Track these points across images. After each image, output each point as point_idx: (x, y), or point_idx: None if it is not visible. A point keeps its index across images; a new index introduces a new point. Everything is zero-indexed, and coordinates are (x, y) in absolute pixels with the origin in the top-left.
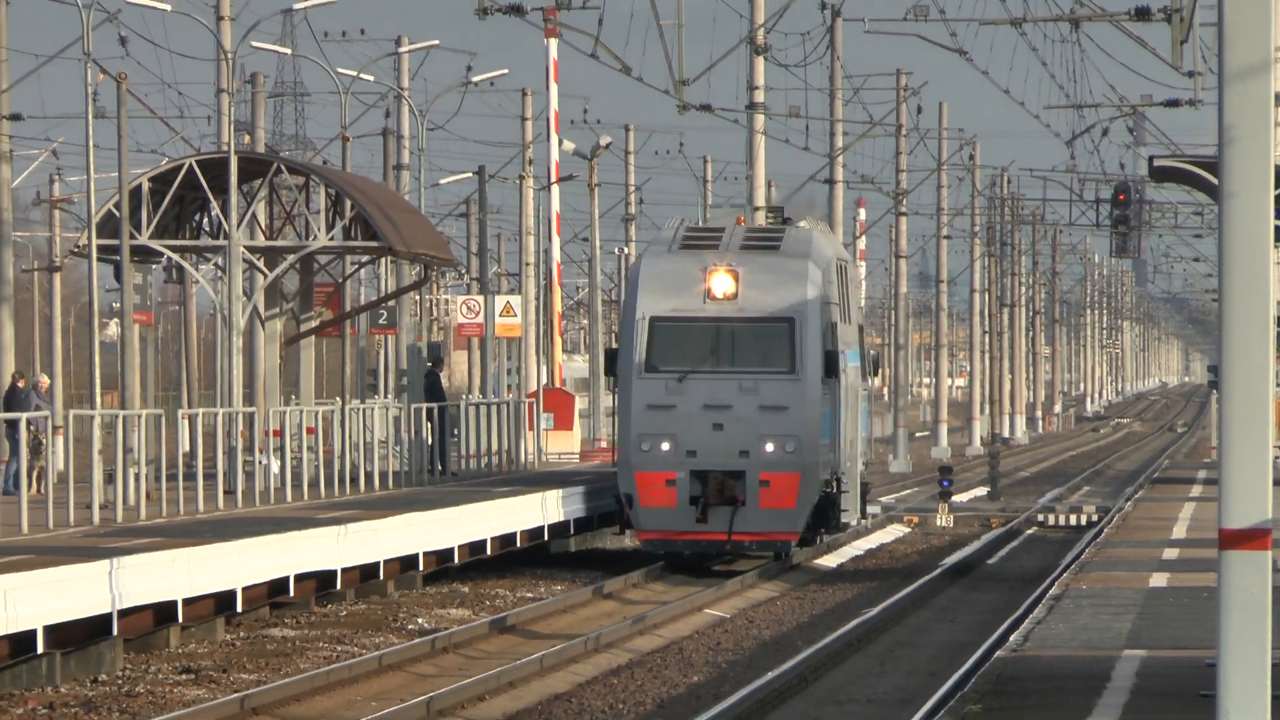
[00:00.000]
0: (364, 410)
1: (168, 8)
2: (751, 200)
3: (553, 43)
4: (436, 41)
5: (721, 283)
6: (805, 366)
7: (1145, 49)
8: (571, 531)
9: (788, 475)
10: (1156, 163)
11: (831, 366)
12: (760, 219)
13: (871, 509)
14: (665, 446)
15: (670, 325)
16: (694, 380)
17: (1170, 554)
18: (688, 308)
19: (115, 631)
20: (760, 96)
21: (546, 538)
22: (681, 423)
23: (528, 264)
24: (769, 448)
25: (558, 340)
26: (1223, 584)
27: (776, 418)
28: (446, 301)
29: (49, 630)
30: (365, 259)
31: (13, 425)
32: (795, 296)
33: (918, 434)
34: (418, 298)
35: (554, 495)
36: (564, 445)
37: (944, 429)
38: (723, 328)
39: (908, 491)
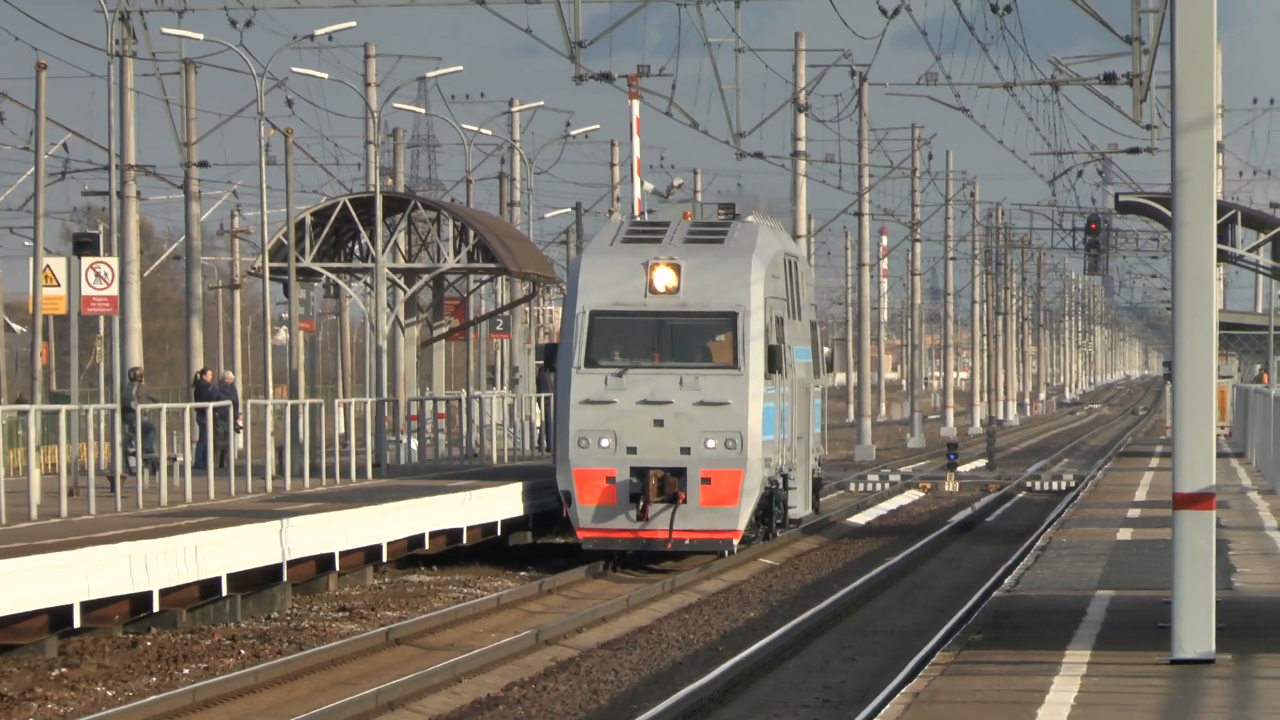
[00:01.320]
0: (484, 399)
1: (325, 76)
2: (795, 230)
3: (635, 103)
4: (541, 102)
5: (663, 276)
6: (748, 362)
7: (1112, 107)
8: None
9: (729, 472)
10: (1121, 198)
11: (775, 362)
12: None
13: (892, 478)
14: (605, 443)
15: (610, 319)
16: (634, 375)
17: (1134, 513)
18: (629, 301)
19: (285, 578)
20: (802, 146)
21: None
22: (621, 419)
23: None
24: (710, 444)
25: None
26: (1176, 537)
27: (718, 414)
28: (550, 311)
29: (231, 577)
30: (485, 277)
31: (201, 412)
32: (738, 290)
33: (930, 417)
34: (528, 308)
35: None
36: None
37: (951, 413)
38: (664, 322)
39: (922, 463)
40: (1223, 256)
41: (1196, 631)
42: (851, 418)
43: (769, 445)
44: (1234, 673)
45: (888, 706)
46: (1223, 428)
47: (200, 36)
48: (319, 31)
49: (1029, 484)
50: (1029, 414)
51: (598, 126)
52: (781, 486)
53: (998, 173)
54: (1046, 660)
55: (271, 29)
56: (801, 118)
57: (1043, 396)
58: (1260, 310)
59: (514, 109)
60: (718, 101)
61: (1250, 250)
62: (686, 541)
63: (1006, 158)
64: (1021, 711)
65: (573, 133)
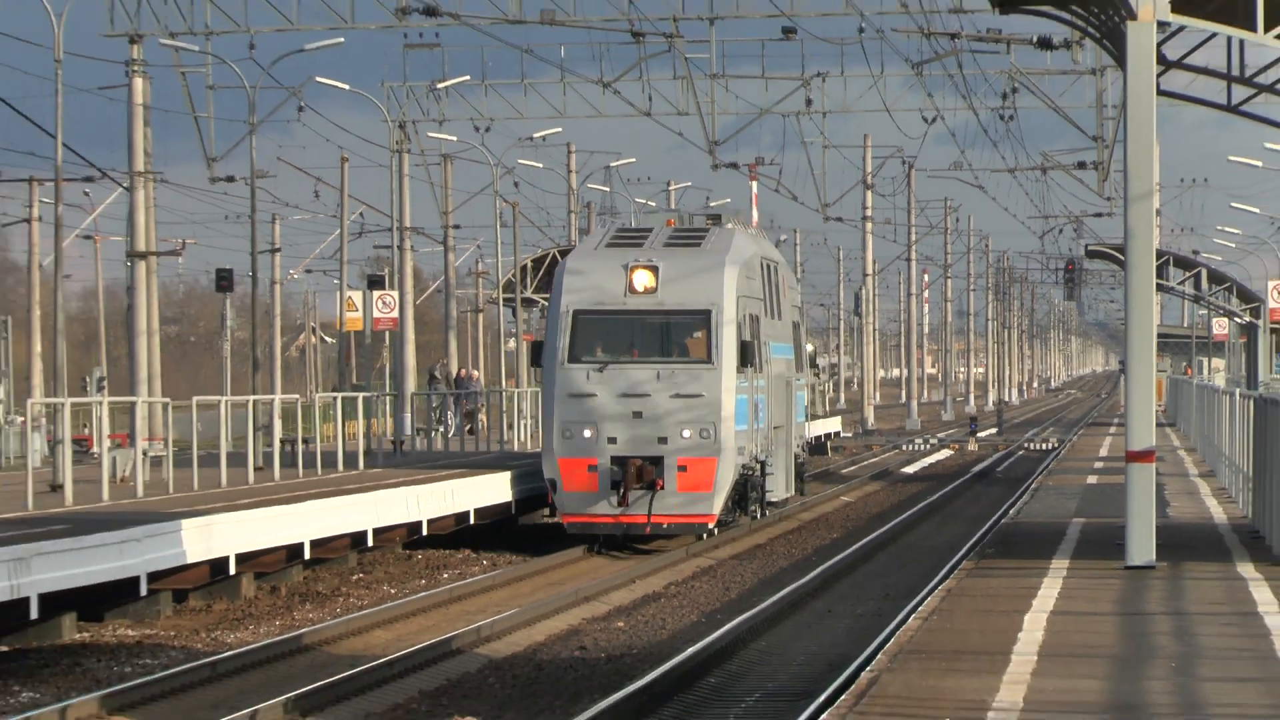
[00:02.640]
0: None
1: (540, 165)
2: (864, 270)
3: (754, 184)
4: (689, 183)
5: (641, 278)
6: (721, 357)
7: (1083, 185)
8: None
9: (704, 460)
10: (1089, 248)
11: (748, 356)
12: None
13: (931, 441)
14: (587, 434)
15: (592, 318)
16: (614, 370)
17: (1099, 465)
18: (610, 301)
19: (514, 511)
20: (869, 213)
21: None
22: (602, 411)
23: None
24: (685, 434)
25: None
26: (1128, 481)
27: (692, 406)
28: None
29: (477, 511)
30: None
31: (458, 398)
32: (712, 290)
33: (957, 399)
34: None
35: None
36: None
37: (972, 396)
38: (642, 320)
39: (952, 431)
40: (1160, 288)
41: (1142, 546)
42: (904, 399)
43: (742, 435)
44: (1168, 575)
45: (929, 599)
46: (1160, 407)
47: (454, 139)
48: (536, 134)
49: (1026, 445)
50: (1026, 397)
51: (728, 200)
52: (758, 473)
53: (1004, 230)
54: (1038, 566)
55: (504, 133)
56: (869, 193)
57: (1035, 385)
58: (1185, 325)
59: (670, 188)
60: (810, 182)
61: (1179, 283)
62: (664, 525)
63: (1010, 220)
64: (1022, 602)
65: (711, 204)
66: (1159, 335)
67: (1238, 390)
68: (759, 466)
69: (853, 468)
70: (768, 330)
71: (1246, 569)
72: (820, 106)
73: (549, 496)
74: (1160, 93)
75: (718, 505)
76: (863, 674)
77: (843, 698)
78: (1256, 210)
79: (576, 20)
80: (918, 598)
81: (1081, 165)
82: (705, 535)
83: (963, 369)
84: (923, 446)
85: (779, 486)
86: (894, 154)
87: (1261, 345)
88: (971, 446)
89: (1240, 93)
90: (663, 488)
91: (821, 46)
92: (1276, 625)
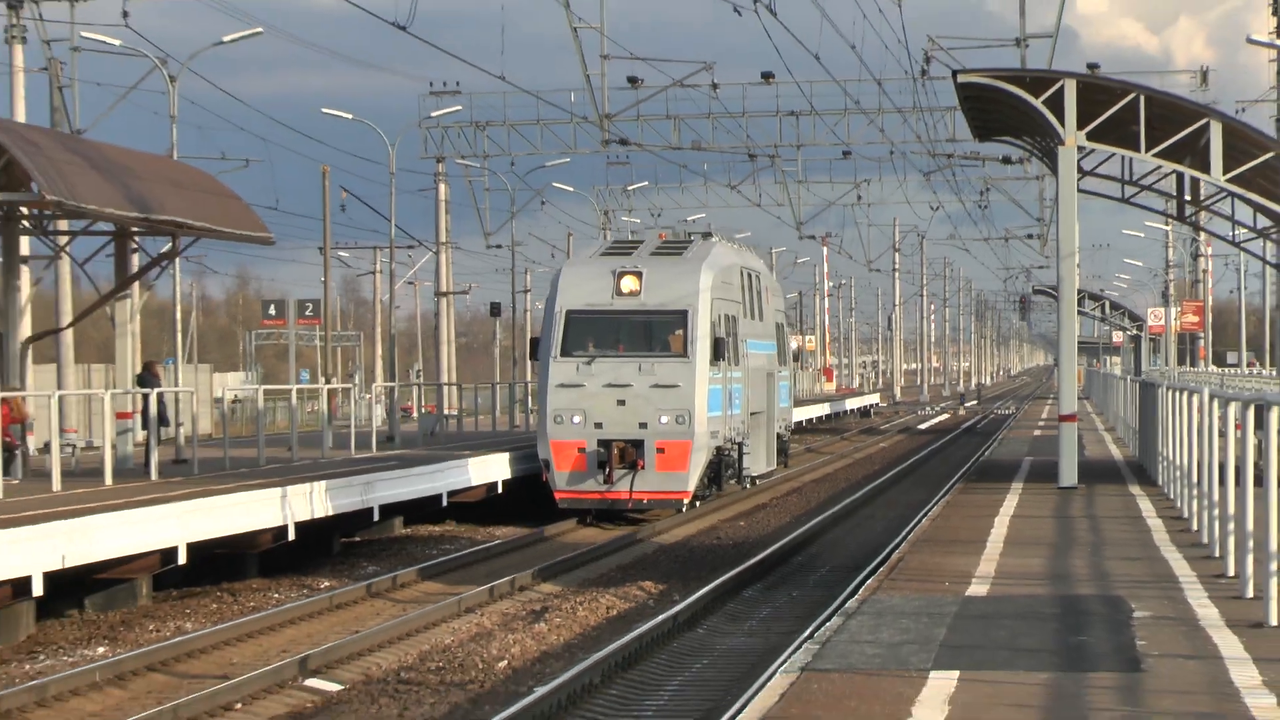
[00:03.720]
0: None
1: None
2: (894, 300)
3: (825, 248)
4: (784, 248)
5: (628, 282)
6: (695, 351)
7: (1031, 248)
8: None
9: (679, 443)
10: (1035, 288)
11: (720, 351)
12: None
13: (936, 408)
14: (576, 419)
15: (583, 317)
16: (601, 363)
17: (1041, 424)
18: (599, 303)
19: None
20: (897, 265)
21: None
22: (590, 399)
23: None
24: (663, 420)
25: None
26: (1061, 433)
27: (669, 394)
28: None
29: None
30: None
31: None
32: (688, 292)
33: (952, 382)
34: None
35: None
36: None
37: (962, 380)
38: (627, 319)
39: (948, 402)
40: (1079, 313)
41: (1069, 474)
42: (919, 382)
43: (715, 420)
44: (1086, 493)
45: (934, 508)
46: (1080, 388)
47: (638, 221)
48: (689, 218)
49: (995, 411)
50: (994, 381)
51: (807, 258)
52: (736, 453)
53: (981, 276)
54: (1003, 487)
55: (669, 218)
56: (896, 254)
57: (1000, 374)
58: (1095, 336)
59: (771, 251)
60: (860, 247)
61: (1091, 310)
62: (645, 501)
63: (985, 270)
64: (993, 509)
65: (797, 260)
66: (1079, 342)
67: (1128, 377)
68: (736, 447)
69: (886, 426)
70: (746, 329)
71: (1135, 489)
72: (866, 200)
73: (544, 475)
74: (1079, 190)
75: (692, 483)
76: (893, 554)
77: (880, 569)
78: (1140, 264)
79: (713, 146)
80: (927, 507)
81: (1030, 236)
82: (682, 509)
83: (955, 363)
84: (930, 412)
85: (759, 463)
86: (912, 230)
87: (1143, 348)
88: (961, 412)
89: (1130, 190)
90: (643, 467)
91: (867, 162)
92: (1154, 524)
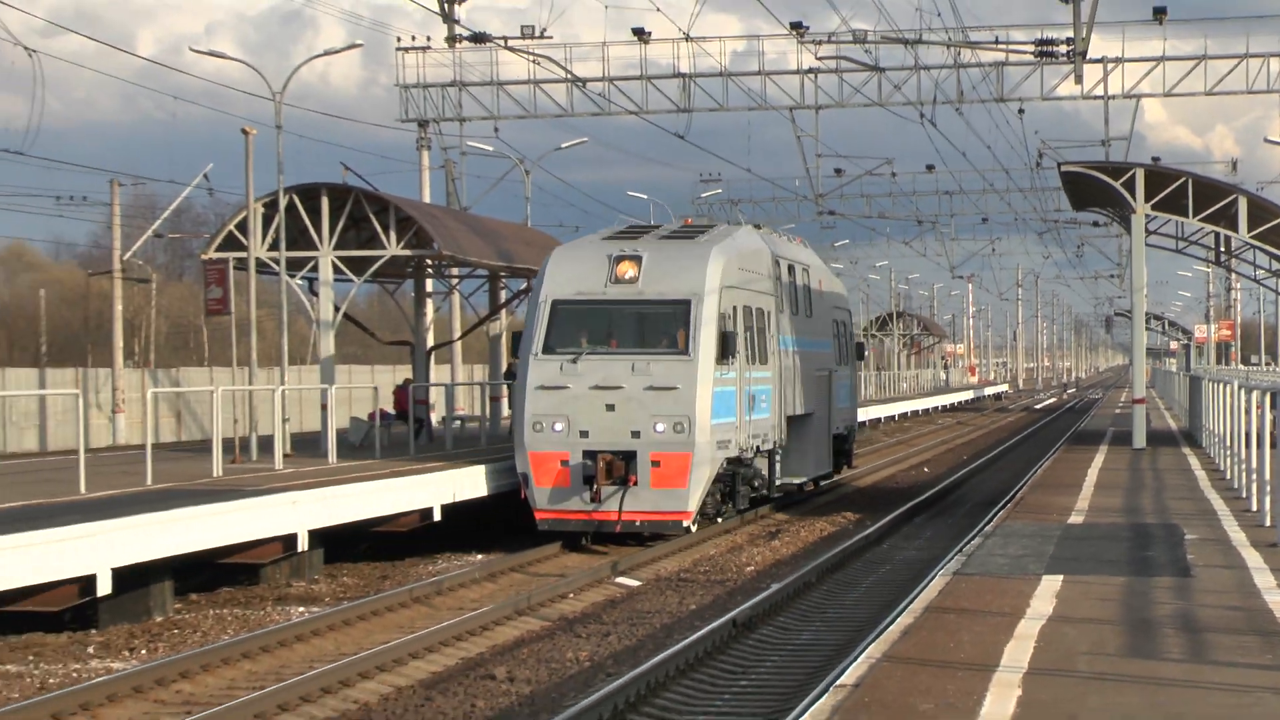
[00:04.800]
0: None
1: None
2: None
3: (969, 285)
4: (941, 284)
5: (625, 267)
6: (698, 348)
7: (1115, 285)
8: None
9: (678, 455)
10: (1115, 312)
11: (730, 348)
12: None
13: (1044, 395)
14: (558, 427)
15: (571, 308)
16: (588, 361)
17: (1119, 406)
18: (590, 291)
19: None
20: (1020, 298)
21: None
22: (574, 403)
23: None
24: (659, 428)
25: None
26: (1134, 413)
27: (666, 398)
28: None
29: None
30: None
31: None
32: (694, 280)
33: (1059, 376)
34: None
35: None
36: None
37: (1065, 375)
38: (621, 310)
39: (1054, 390)
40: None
41: (1140, 439)
42: (1036, 378)
43: (723, 428)
44: (1152, 452)
45: (1045, 462)
46: (1147, 381)
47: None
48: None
49: (1087, 396)
50: (1085, 376)
51: (957, 292)
52: (766, 463)
53: (1078, 304)
54: (1093, 447)
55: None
56: (1019, 289)
57: (1090, 371)
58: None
59: (934, 287)
60: (994, 284)
61: (1155, 326)
62: (637, 523)
63: (1083, 301)
64: (1088, 460)
65: (951, 293)
66: (1146, 348)
67: (1181, 373)
68: (766, 456)
69: (1012, 406)
70: (784, 325)
71: (1186, 450)
72: (998, 251)
73: (522, 492)
74: (1146, 244)
75: (693, 501)
76: (1017, 494)
77: (1008, 504)
78: (1189, 294)
79: (892, 215)
80: (1041, 461)
81: (1112, 275)
82: (683, 532)
83: (1060, 363)
84: (1042, 396)
85: (805, 467)
86: (1030, 272)
87: (1191, 353)
88: (1064, 397)
89: (1181, 244)
90: (635, 483)
91: (999, 225)
92: (1200, 475)
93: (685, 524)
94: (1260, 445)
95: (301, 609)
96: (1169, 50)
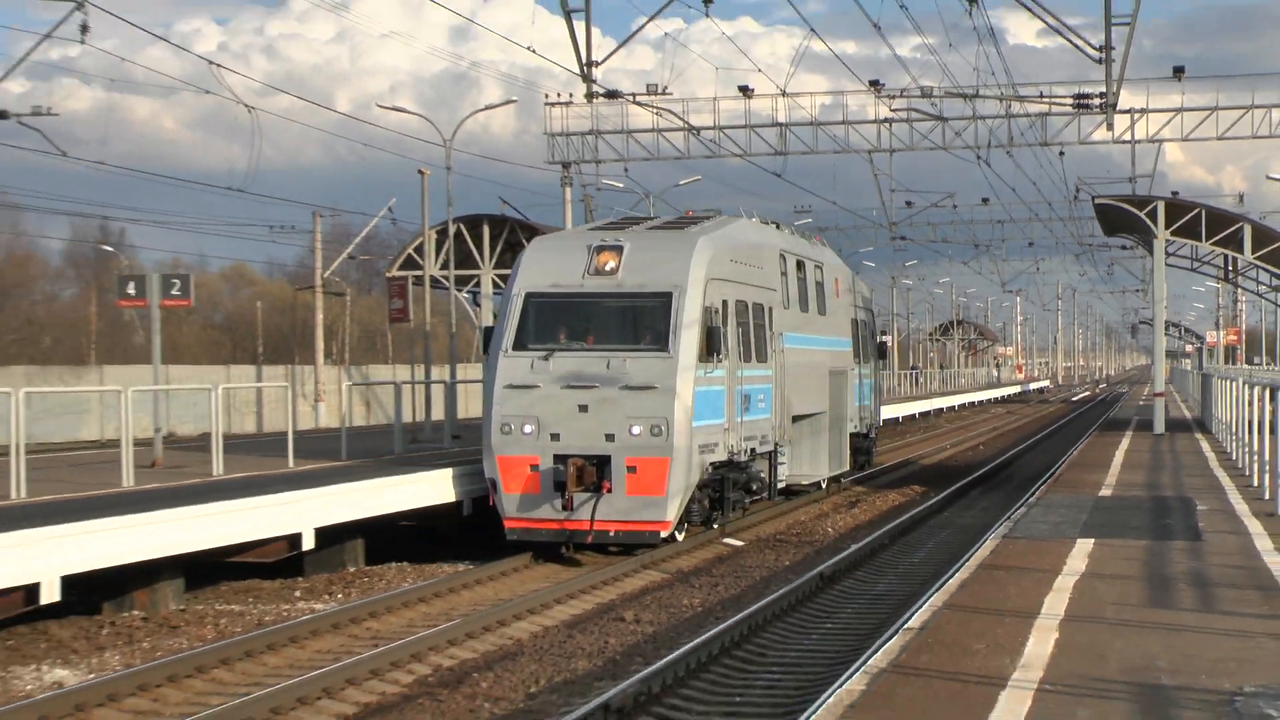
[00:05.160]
0: None
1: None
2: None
3: (1018, 299)
4: (994, 297)
5: (605, 258)
6: (678, 345)
7: (1140, 298)
8: None
9: (655, 460)
10: (1139, 321)
11: (715, 344)
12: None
13: (1079, 389)
14: (528, 429)
15: (545, 301)
16: (561, 359)
17: (1143, 399)
18: (567, 283)
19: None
20: (1060, 311)
21: None
22: (545, 404)
23: None
24: (635, 430)
25: None
26: (1155, 405)
27: (643, 398)
28: None
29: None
30: None
31: None
32: (676, 271)
33: (1092, 375)
34: None
35: None
36: None
37: (1096, 374)
38: (598, 304)
39: (1087, 386)
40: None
41: (1159, 426)
42: (1074, 376)
43: (708, 430)
44: (1170, 437)
45: (1079, 445)
46: (1166, 378)
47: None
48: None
49: (1115, 390)
50: (1114, 374)
51: (1008, 304)
52: (766, 464)
53: (1109, 314)
54: (1121, 433)
55: None
56: (1059, 301)
57: (1119, 369)
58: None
59: (989, 300)
60: (1038, 297)
61: (1173, 332)
62: (610, 533)
63: (1113, 312)
64: (1116, 443)
65: (1003, 304)
66: (1165, 351)
67: (1195, 370)
68: (765, 458)
69: (1052, 398)
70: (789, 321)
71: (1198, 435)
72: (1041, 270)
73: (490, 498)
74: (1167, 264)
75: (672, 511)
76: (1056, 471)
77: (1048, 480)
78: (1201, 305)
79: (954, 240)
80: (1075, 446)
81: (1137, 290)
82: (660, 543)
83: (1092, 363)
84: (1078, 392)
85: (820, 467)
86: (1069, 287)
87: (1203, 354)
88: (1095, 391)
89: (1196, 264)
90: (609, 490)
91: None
92: (1210, 456)
93: (663, 534)
94: (1261, 431)
95: (462, 565)
96: (1186, 102)
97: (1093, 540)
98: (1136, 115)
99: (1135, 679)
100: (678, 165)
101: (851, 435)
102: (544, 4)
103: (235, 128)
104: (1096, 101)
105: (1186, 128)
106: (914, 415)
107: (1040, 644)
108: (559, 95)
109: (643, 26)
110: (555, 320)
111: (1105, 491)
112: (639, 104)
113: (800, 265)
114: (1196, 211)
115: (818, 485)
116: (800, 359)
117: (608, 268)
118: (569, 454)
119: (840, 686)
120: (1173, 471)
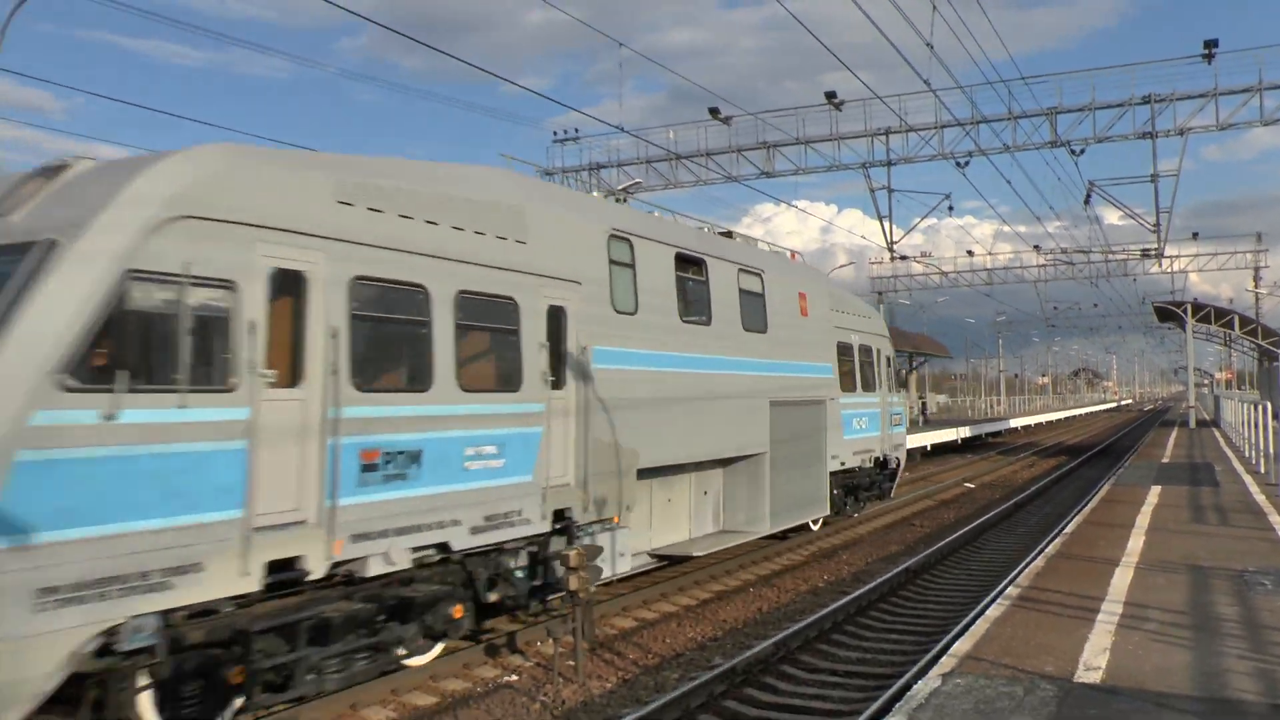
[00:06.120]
0: None
1: None
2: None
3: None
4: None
5: None
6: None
7: (1178, 358)
8: None
9: None
10: (1177, 368)
11: (559, 376)
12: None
13: (1143, 408)
14: None
15: None
16: None
17: (1182, 410)
18: None
19: None
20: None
21: None
22: None
23: None
24: None
25: None
26: (1189, 414)
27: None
28: None
29: None
30: None
31: None
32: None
33: (1137, 399)
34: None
35: None
36: None
37: (1138, 397)
38: None
39: (1149, 405)
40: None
41: (1192, 424)
42: (1136, 398)
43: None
44: (1197, 430)
45: (1148, 436)
46: (1195, 399)
47: None
48: None
49: (1157, 409)
50: (1163, 397)
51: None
52: (481, 565)
53: (1157, 365)
54: (1169, 429)
55: None
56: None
57: (1164, 396)
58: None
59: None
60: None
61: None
62: None
63: (1160, 363)
64: (1168, 434)
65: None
66: (1195, 384)
67: (1210, 394)
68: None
69: (1130, 410)
70: (622, 334)
71: (1216, 432)
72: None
73: None
74: (1194, 337)
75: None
76: (1136, 448)
77: (1132, 454)
78: (1212, 358)
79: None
80: (1146, 433)
81: (1177, 351)
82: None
83: (1153, 390)
84: (1145, 407)
85: (755, 519)
86: (1140, 351)
87: (1214, 385)
88: (1156, 405)
89: (1210, 336)
90: None
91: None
92: (1221, 441)
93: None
94: (1251, 427)
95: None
96: (1200, 249)
97: (1159, 486)
98: (1174, 258)
99: (1187, 562)
100: (938, 290)
101: (846, 472)
102: (868, 212)
103: None
104: (1153, 252)
105: (1201, 263)
106: (1059, 419)
107: (1135, 542)
108: (876, 258)
109: (916, 225)
110: None
111: (1165, 458)
112: (916, 261)
113: (696, 265)
114: (1207, 310)
115: (783, 536)
116: (682, 385)
117: None
118: None
119: (1029, 563)
120: (1200, 449)
